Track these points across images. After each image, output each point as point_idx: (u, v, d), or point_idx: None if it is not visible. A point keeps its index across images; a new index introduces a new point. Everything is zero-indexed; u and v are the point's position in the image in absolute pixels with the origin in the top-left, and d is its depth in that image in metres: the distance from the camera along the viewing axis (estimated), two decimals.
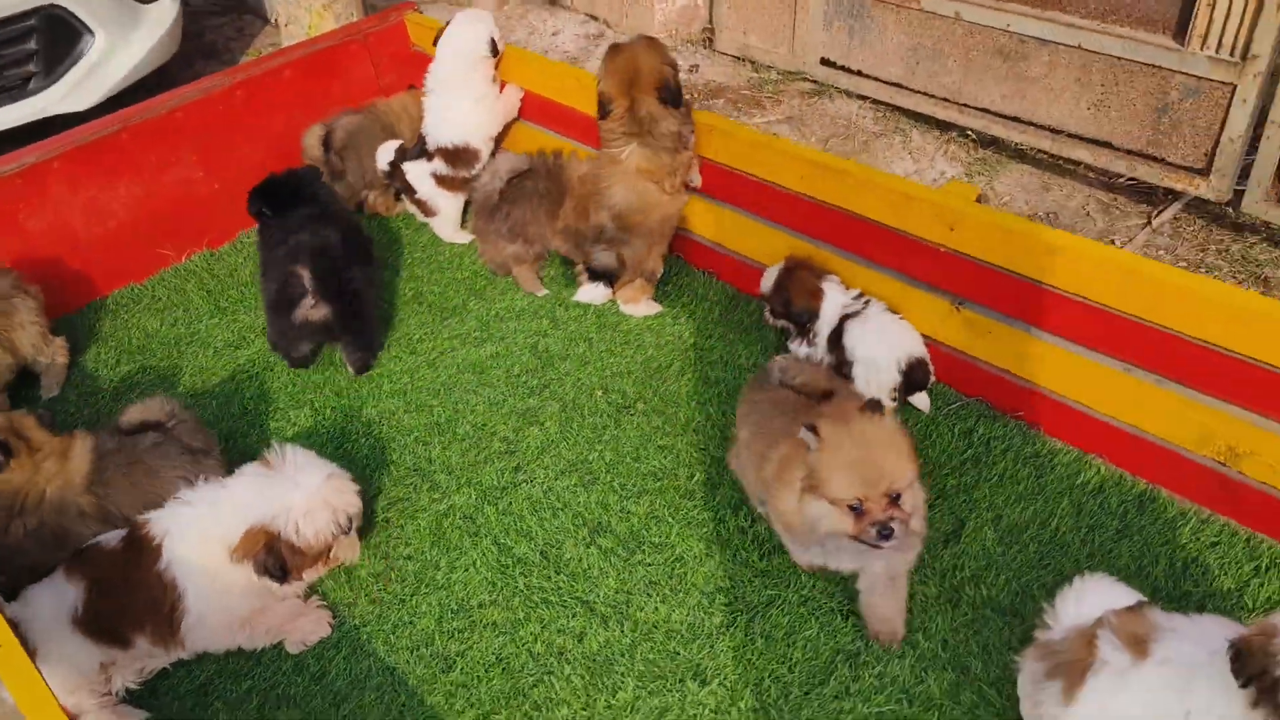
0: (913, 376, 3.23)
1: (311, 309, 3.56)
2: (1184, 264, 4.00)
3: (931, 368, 3.27)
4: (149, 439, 3.01)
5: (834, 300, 3.35)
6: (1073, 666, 2.12)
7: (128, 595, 2.72)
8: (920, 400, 3.27)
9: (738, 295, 3.84)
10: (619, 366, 3.62)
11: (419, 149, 4.22)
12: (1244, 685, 1.86)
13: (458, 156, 4.20)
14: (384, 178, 4.32)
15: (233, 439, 3.47)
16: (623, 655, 2.70)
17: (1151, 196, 4.32)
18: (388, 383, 3.68)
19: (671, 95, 3.47)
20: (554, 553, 3.00)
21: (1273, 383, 2.59)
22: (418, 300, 4.05)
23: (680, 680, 2.63)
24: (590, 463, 3.26)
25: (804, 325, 3.35)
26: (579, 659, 2.71)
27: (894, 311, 3.31)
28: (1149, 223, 4.19)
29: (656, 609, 2.81)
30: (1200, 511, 2.85)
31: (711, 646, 2.70)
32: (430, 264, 4.25)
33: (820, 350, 3.36)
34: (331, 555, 2.83)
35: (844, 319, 3.31)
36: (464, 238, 4.35)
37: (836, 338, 3.31)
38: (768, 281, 3.41)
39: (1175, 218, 4.22)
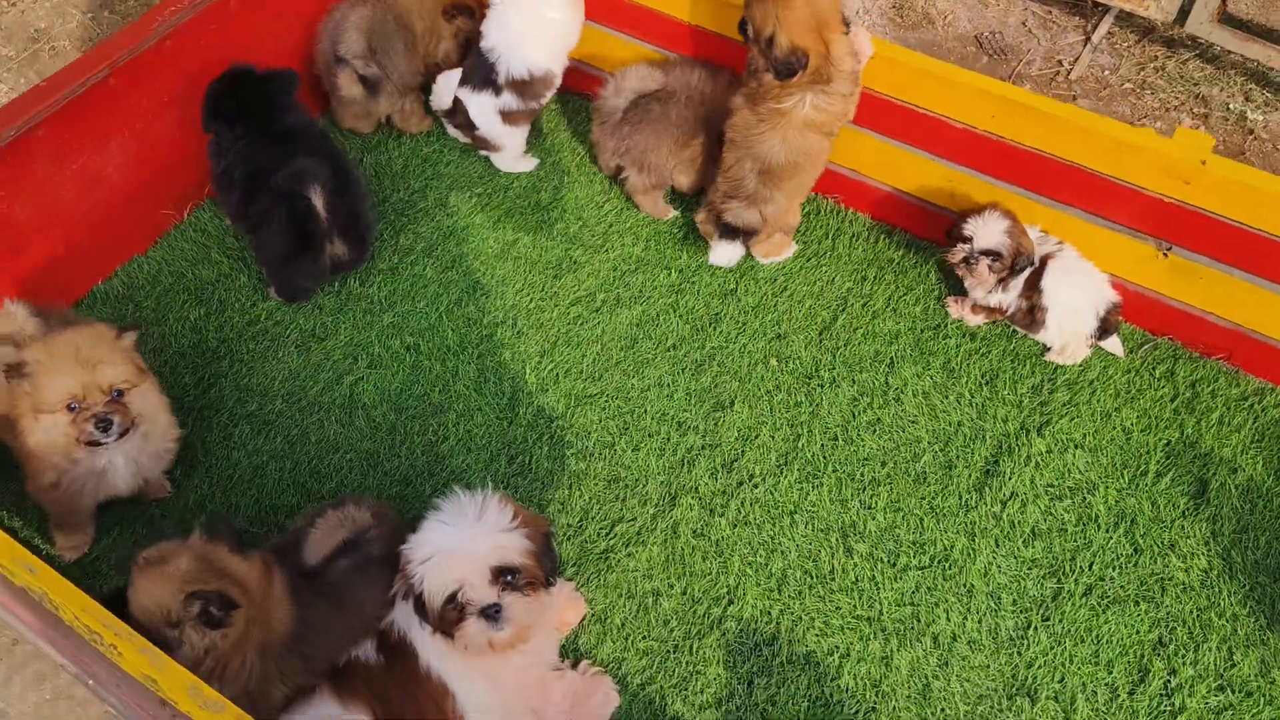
0: (1109, 321, 3.16)
1: (337, 248, 3.28)
2: (1127, 84, 4.17)
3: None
4: (343, 565, 2.48)
5: (1040, 248, 3.18)
6: None
7: (410, 707, 2.37)
8: (1114, 345, 3.23)
9: (875, 227, 3.58)
10: (779, 325, 3.34)
11: (484, 77, 3.52)
12: None
13: (533, 87, 3.56)
14: (443, 115, 3.61)
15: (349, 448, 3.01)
16: (936, 678, 2.65)
17: (1082, 7, 4.44)
18: (529, 369, 3.24)
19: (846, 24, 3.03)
20: (813, 567, 2.84)
21: None
22: (509, 256, 3.52)
23: (1009, 698, 2.61)
24: (803, 452, 3.05)
25: (1020, 271, 3.16)
26: (898, 689, 2.63)
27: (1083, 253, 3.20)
28: (1088, 39, 4.31)
29: (948, 618, 2.74)
30: None
31: (1019, 654, 2.68)
32: (501, 205, 3.68)
33: (1012, 296, 3.21)
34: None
35: (1044, 262, 3.17)
36: (529, 164, 3.77)
37: (1033, 282, 3.16)
38: (991, 231, 3.12)
39: (1110, 33, 4.36)
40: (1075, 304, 3.14)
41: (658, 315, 3.37)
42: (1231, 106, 4.13)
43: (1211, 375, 3.17)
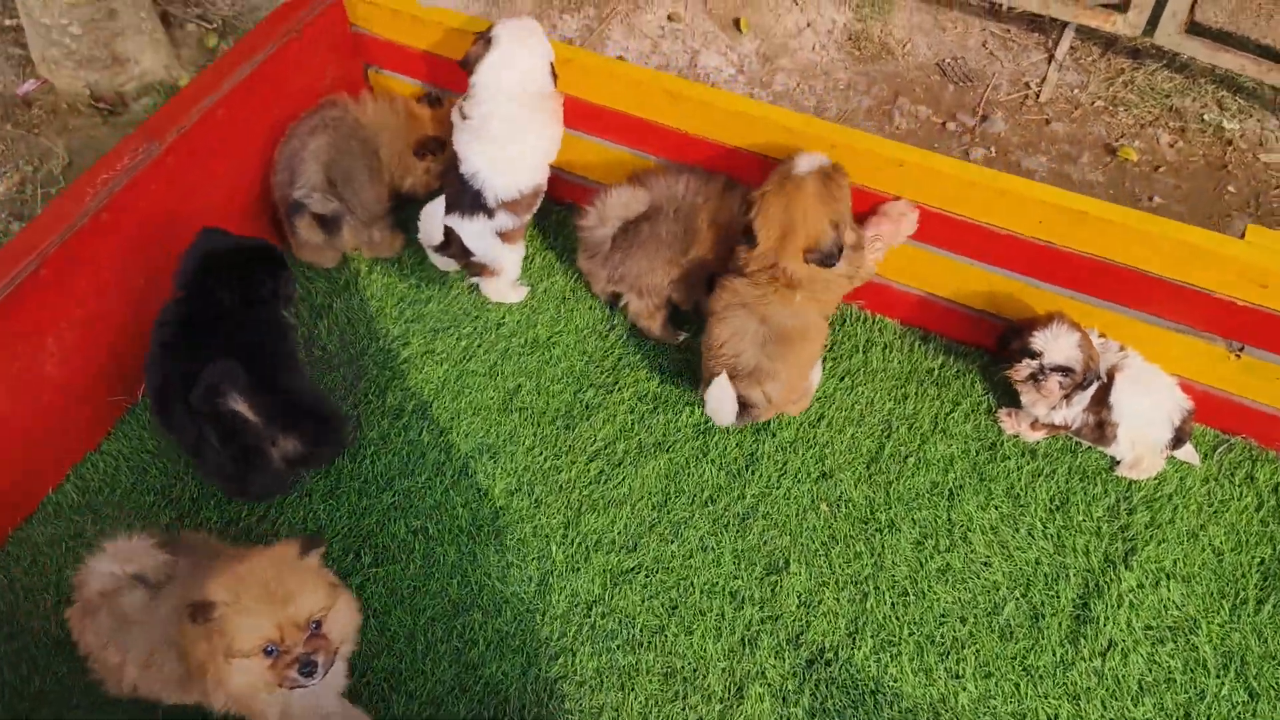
0: (1183, 430, 2.91)
1: (287, 444, 2.86)
2: (1099, 101, 4.04)
3: None
4: None
5: (1105, 357, 2.92)
6: None
7: None
8: (1188, 454, 2.98)
9: (906, 333, 3.29)
10: (823, 461, 3.03)
11: (473, 202, 3.15)
12: None
13: (525, 202, 3.21)
14: (434, 249, 3.23)
15: None
16: None
17: (1040, 23, 4.31)
18: (554, 545, 2.89)
19: (824, 259, 2.76)
20: None
21: None
22: (513, 407, 3.16)
23: None
24: (873, 614, 2.75)
25: (1088, 386, 2.88)
26: None
27: (1146, 358, 2.94)
28: (1051, 57, 4.19)
29: None
30: None
31: None
32: (496, 346, 3.31)
33: (1076, 411, 2.94)
34: None
35: (1110, 374, 2.90)
36: (520, 293, 3.41)
37: (1101, 395, 2.90)
38: (1063, 346, 2.83)
39: (1073, 48, 4.23)
40: (1148, 415, 2.88)
41: (687, 462, 3.04)
42: (1207, 118, 3.98)
43: None
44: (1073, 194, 2.76)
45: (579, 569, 2.85)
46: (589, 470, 3.03)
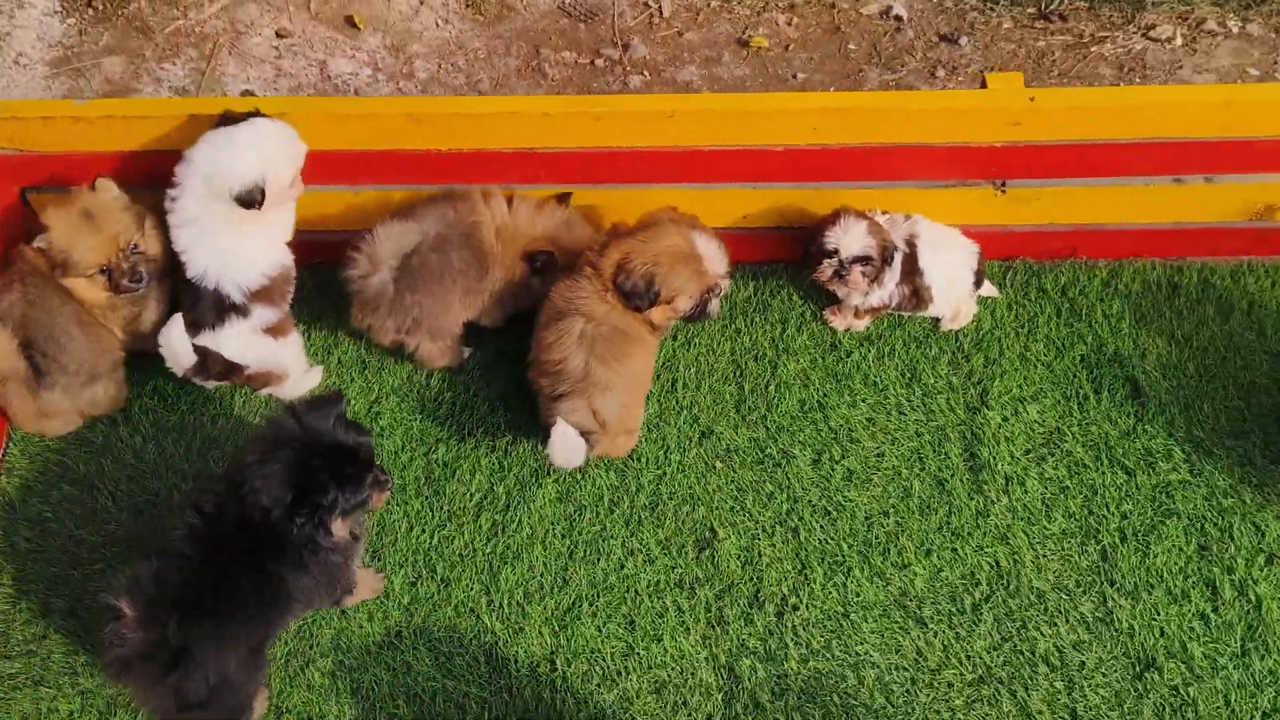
0: (980, 271, 3.17)
1: None
2: (714, 2, 4.11)
3: None
4: None
5: (890, 228, 3.08)
6: None
7: None
8: (989, 289, 3.25)
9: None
10: (697, 419, 3.01)
11: (217, 308, 2.75)
12: None
13: (276, 287, 2.86)
14: (192, 373, 2.77)
15: None
16: (1073, 692, 2.58)
17: None
18: (486, 618, 2.68)
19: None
20: (901, 659, 2.65)
21: None
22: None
23: (1138, 677, 2.61)
24: (810, 544, 2.80)
25: (889, 263, 3.03)
26: None
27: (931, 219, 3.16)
28: None
29: (1042, 633, 2.68)
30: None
31: (1118, 631, 2.69)
32: None
33: (890, 288, 3.10)
34: None
35: (910, 243, 3.08)
36: (315, 377, 3.07)
37: (910, 266, 3.08)
38: (855, 237, 2.94)
39: None
40: (952, 269, 3.10)
41: (571, 477, 2.91)
42: None
43: (1071, 275, 3.28)
44: (839, 94, 2.88)
45: (521, 628, 2.67)
46: (480, 527, 2.82)
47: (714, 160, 2.98)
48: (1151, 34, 4.07)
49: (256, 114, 2.73)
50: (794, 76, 3.97)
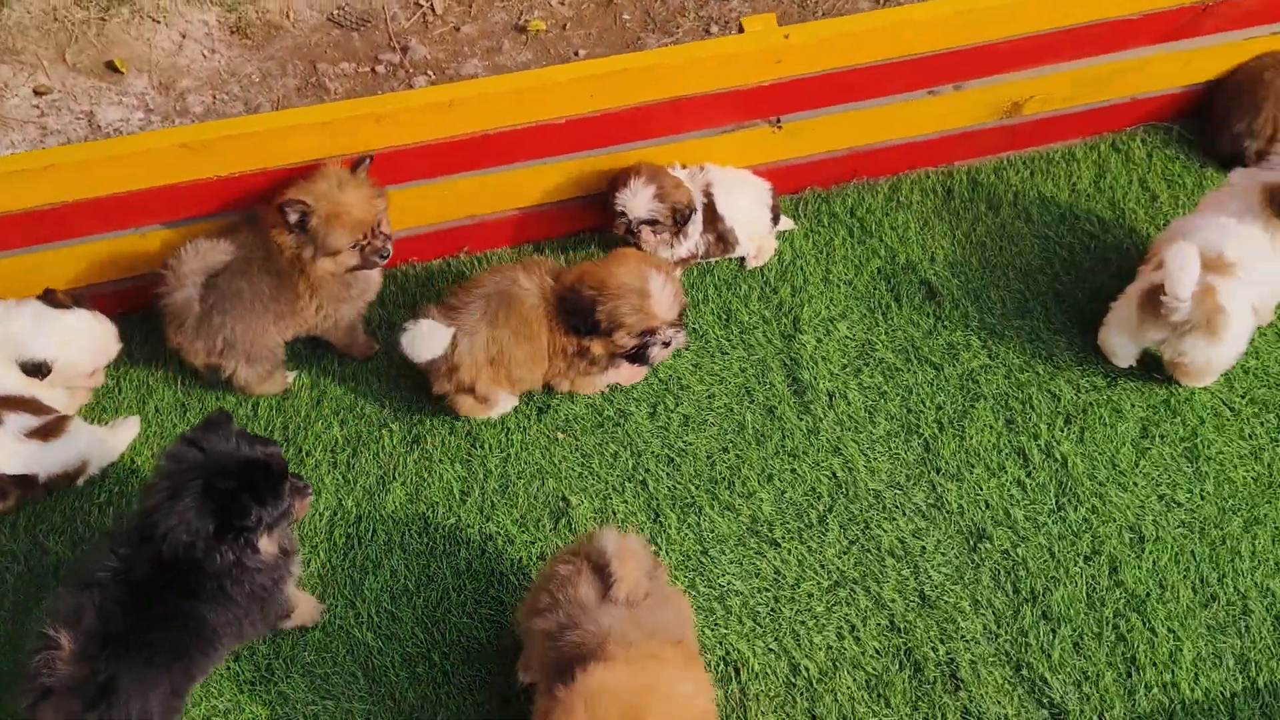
0: (776, 208, 3.33)
1: None
2: None
3: None
4: None
5: (684, 181, 3.19)
6: None
7: None
8: (786, 224, 3.41)
9: (520, 253, 3.35)
10: (529, 398, 3.06)
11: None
12: None
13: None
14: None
15: None
16: (919, 576, 2.78)
17: None
18: (392, 666, 2.67)
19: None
20: (761, 581, 2.79)
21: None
22: None
23: (972, 549, 2.83)
24: (659, 493, 2.91)
25: (689, 220, 3.14)
26: (908, 610, 2.72)
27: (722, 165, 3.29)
28: None
29: (884, 529, 2.86)
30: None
31: (949, 510, 2.90)
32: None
33: (695, 238, 3.22)
34: None
35: (706, 193, 3.20)
36: (129, 431, 2.96)
37: (711, 215, 3.20)
38: (640, 201, 3.04)
39: None
40: (750, 210, 3.25)
41: (417, 477, 2.92)
42: None
43: (857, 197, 3.48)
44: (608, 59, 2.95)
45: (393, 634, 2.68)
46: (335, 544, 2.81)
47: (500, 142, 3.02)
48: None
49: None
50: (576, 54, 4.03)
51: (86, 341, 2.84)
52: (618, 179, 3.11)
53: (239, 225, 2.90)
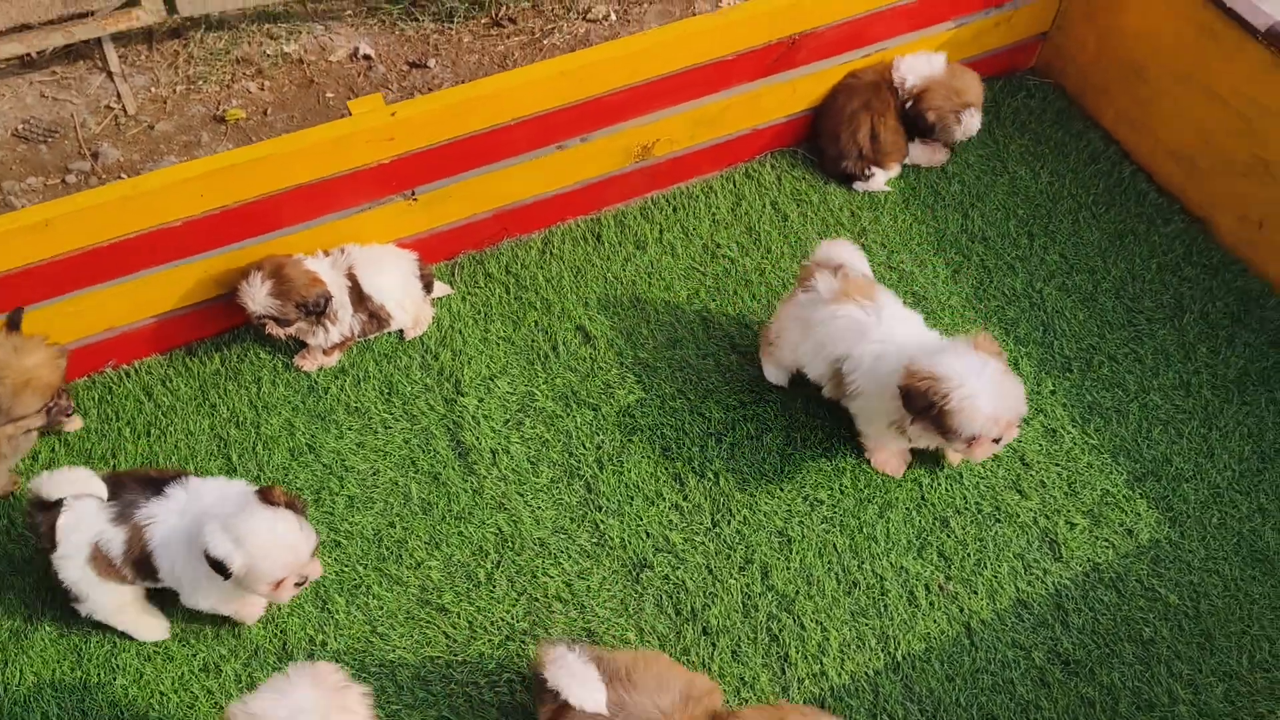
0: (427, 275, 3.39)
1: None
2: (180, 87, 4.18)
3: None
4: None
5: (325, 269, 3.21)
6: None
7: None
8: (442, 289, 3.48)
9: (170, 363, 3.29)
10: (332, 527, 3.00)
11: None
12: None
13: None
14: None
15: None
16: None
17: (79, 50, 4.22)
18: None
19: None
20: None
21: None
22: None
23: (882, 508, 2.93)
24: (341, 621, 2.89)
25: (324, 310, 3.16)
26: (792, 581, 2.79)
27: (364, 244, 3.34)
28: (110, 73, 4.20)
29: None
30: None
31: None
32: None
33: (347, 321, 3.25)
34: None
35: (349, 275, 3.24)
36: None
37: (358, 294, 3.23)
38: (256, 298, 3.07)
39: (123, 56, 4.28)
40: (399, 283, 3.30)
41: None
42: (269, 52, 4.34)
43: (511, 254, 3.59)
44: (214, 156, 2.95)
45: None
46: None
47: (114, 253, 2.97)
48: (590, 16, 4.52)
49: None
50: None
51: None
52: (241, 274, 3.11)
53: None
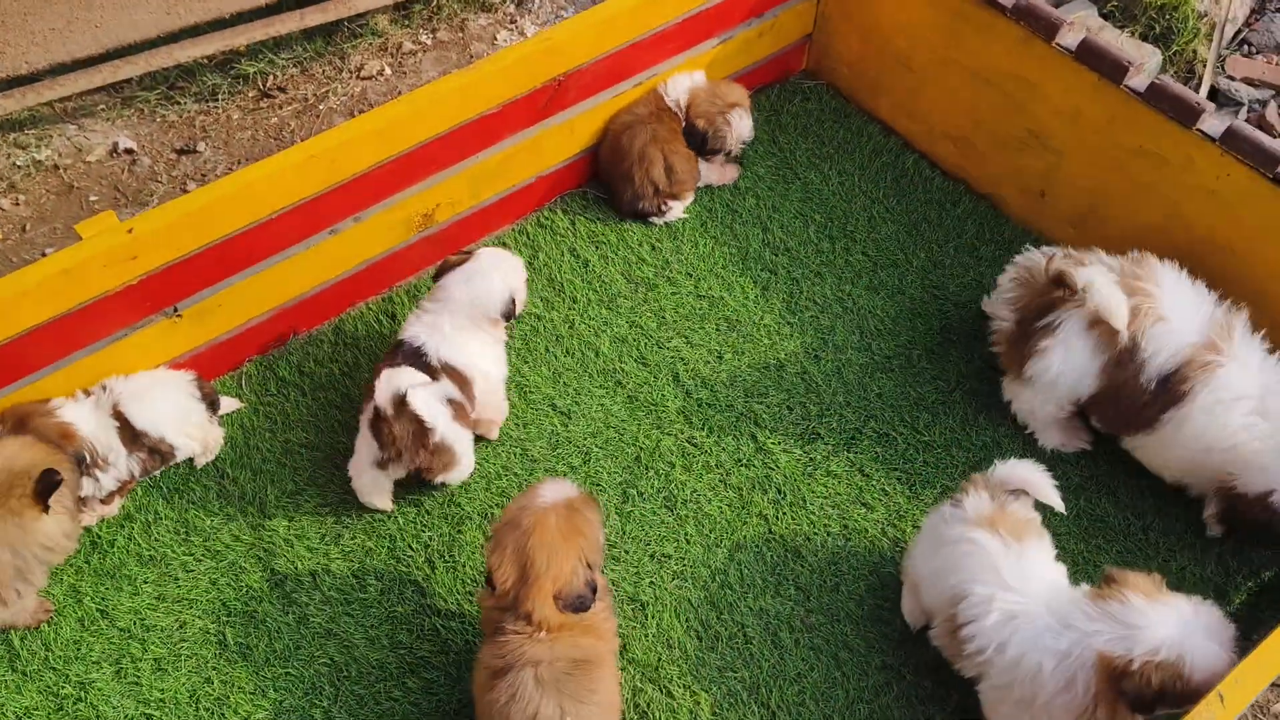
0: (209, 393, 3.09)
1: None
2: None
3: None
4: None
5: (86, 414, 2.86)
6: None
7: None
8: (230, 404, 3.19)
9: None
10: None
11: None
12: None
13: None
14: None
15: None
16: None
17: None
18: None
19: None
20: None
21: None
22: None
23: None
24: None
25: (85, 465, 2.82)
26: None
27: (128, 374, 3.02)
28: None
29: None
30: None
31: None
32: None
33: (123, 464, 2.91)
34: None
35: (116, 414, 2.90)
36: None
37: (129, 431, 2.91)
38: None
39: None
40: (174, 407, 2.99)
41: None
42: (19, 163, 3.96)
43: (302, 352, 3.33)
44: None
45: None
46: None
47: None
48: (364, 74, 4.27)
49: None
50: (44, 252, 3.65)
51: None
52: None
53: None
